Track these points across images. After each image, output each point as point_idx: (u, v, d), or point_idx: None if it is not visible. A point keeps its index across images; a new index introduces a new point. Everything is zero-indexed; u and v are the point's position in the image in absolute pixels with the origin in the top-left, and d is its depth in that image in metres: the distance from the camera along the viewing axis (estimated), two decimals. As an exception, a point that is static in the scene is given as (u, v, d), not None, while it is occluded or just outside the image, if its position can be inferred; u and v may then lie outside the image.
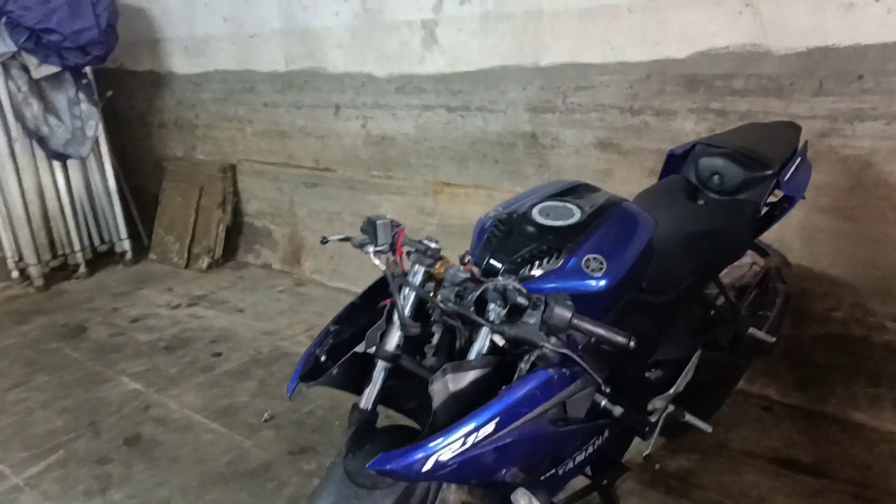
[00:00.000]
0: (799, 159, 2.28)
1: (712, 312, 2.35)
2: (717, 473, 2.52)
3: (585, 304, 1.50)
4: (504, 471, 1.57)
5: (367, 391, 1.70)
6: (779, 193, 2.29)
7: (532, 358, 1.55)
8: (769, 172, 2.20)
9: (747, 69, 2.70)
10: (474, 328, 1.61)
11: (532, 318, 1.47)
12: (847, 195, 2.60)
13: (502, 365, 1.61)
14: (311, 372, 1.72)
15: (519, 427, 1.51)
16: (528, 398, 1.51)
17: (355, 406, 1.72)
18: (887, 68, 2.40)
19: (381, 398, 1.72)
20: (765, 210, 2.29)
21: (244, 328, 4.04)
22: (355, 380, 1.76)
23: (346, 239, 1.80)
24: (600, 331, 1.47)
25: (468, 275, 1.62)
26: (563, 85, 3.22)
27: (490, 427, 1.45)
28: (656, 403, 2.12)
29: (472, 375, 1.55)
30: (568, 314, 1.44)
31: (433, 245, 1.69)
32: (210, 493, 2.64)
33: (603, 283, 1.68)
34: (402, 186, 4.04)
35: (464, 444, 1.43)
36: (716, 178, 2.26)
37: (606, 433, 1.94)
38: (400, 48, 3.77)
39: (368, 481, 1.59)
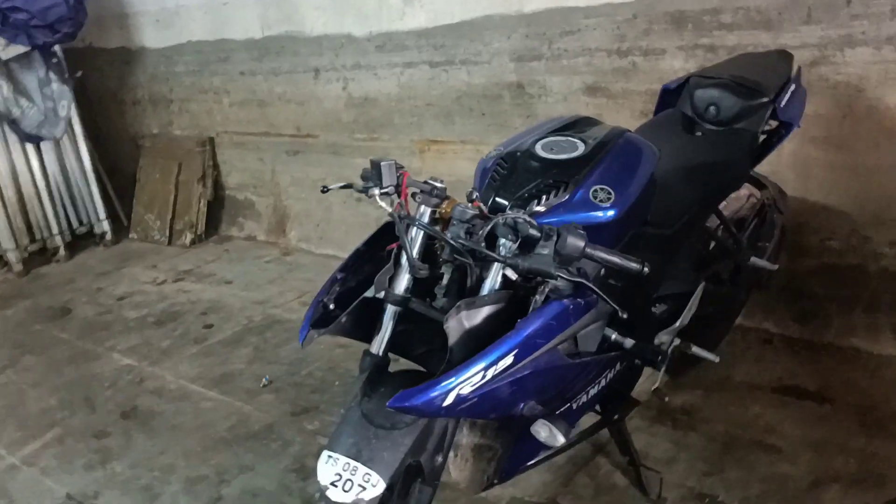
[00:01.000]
0: (793, 86, 2.28)
1: (713, 245, 2.35)
2: (723, 406, 2.54)
3: (594, 235, 1.50)
4: (522, 404, 1.57)
5: (377, 336, 1.68)
6: (773, 123, 2.29)
7: (546, 289, 1.55)
8: (765, 100, 2.20)
9: (735, 2, 2.68)
10: (485, 265, 1.60)
11: (545, 249, 1.46)
12: (839, 124, 2.60)
13: (515, 299, 1.60)
14: (320, 320, 1.70)
15: (536, 359, 1.51)
16: (545, 329, 1.51)
17: (366, 352, 1.70)
18: (876, -9, 2.40)
19: (391, 344, 1.70)
20: (762, 138, 2.28)
21: (234, 299, 3.99)
22: (364, 327, 1.74)
23: (349, 186, 1.78)
24: (614, 258, 1.47)
25: (476, 212, 1.61)
26: (549, 31, 3.18)
27: (509, 359, 1.45)
28: (662, 337, 2.12)
29: (486, 311, 1.55)
30: (581, 243, 1.43)
31: (439, 184, 1.66)
32: (214, 457, 2.61)
33: (612, 213, 1.68)
34: (388, 147, 3.99)
35: (483, 377, 1.43)
36: (712, 108, 2.25)
37: (617, 367, 1.94)
38: (379, 5, 3.71)
39: (387, 422, 1.57)
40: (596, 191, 1.68)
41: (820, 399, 2.52)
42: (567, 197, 1.67)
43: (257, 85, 4.49)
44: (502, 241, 1.55)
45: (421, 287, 1.70)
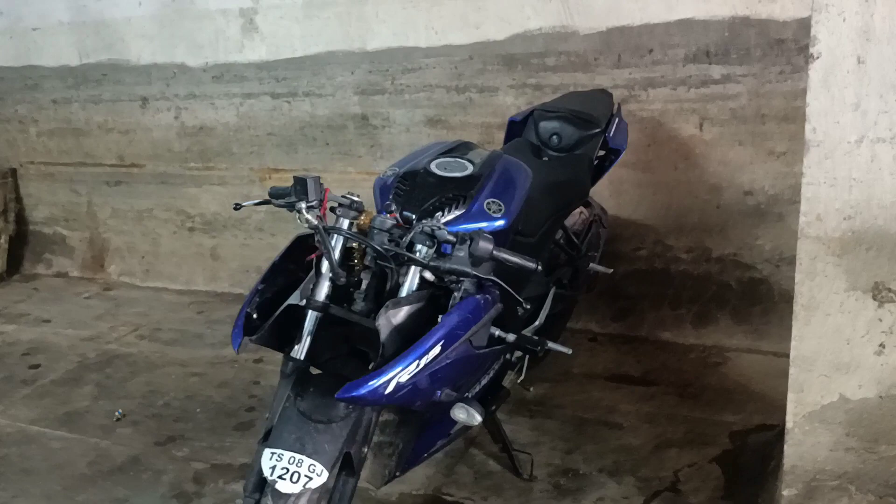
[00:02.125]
0: (617, 119, 2.73)
1: (559, 252, 2.71)
2: (569, 394, 2.89)
3: None
4: (440, 391, 1.77)
5: (300, 342, 1.79)
6: (601, 151, 2.72)
7: (463, 287, 1.77)
8: (598, 130, 2.62)
9: (558, 47, 3.12)
10: (403, 269, 1.79)
11: (461, 252, 1.70)
12: (645, 150, 3.11)
13: (431, 299, 1.81)
14: (247, 330, 1.79)
15: (455, 349, 1.72)
16: (464, 322, 1.74)
17: (289, 357, 1.80)
18: (671, 42, 2.94)
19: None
20: (596, 163, 2.70)
21: (58, 337, 3.73)
22: (277, 337, 1.85)
23: (266, 202, 1.87)
24: (515, 258, 1.75)
25: (394, 221, 1.80)
26: (391, 67, 3.44)
27: (437, 349, 1.66)
28: (525, 335, 2.42)
29: (409, 309, 1.75)
30: (490, 246, 1.70)
31: (356, 199, 1.84)
32: (79, 495, 2.48)
33: (502, 222, 1.97)
34: (225, 176, 4.00)
35: (417, 366, 1.62)
36: (555, 137, 2.63)
37: (501, 359, 2.21)
38: (215, 37, 3.74)
39: (324, 416, 1.70)
40: (489, 203, 1.95)
41: (646, 382, 2.96)
42: (465, 209, 1.92)
43: (73, 114, 4.27)
44: (419, 246, 1.76)
45: (337, 294, 1.84)
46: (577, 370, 3.07)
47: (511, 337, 2.08)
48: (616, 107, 2.80)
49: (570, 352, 2.46)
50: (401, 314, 1.72)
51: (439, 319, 1.73)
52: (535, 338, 2.23)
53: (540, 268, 1.76)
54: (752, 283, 3.15)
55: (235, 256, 4.09)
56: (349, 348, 1.93)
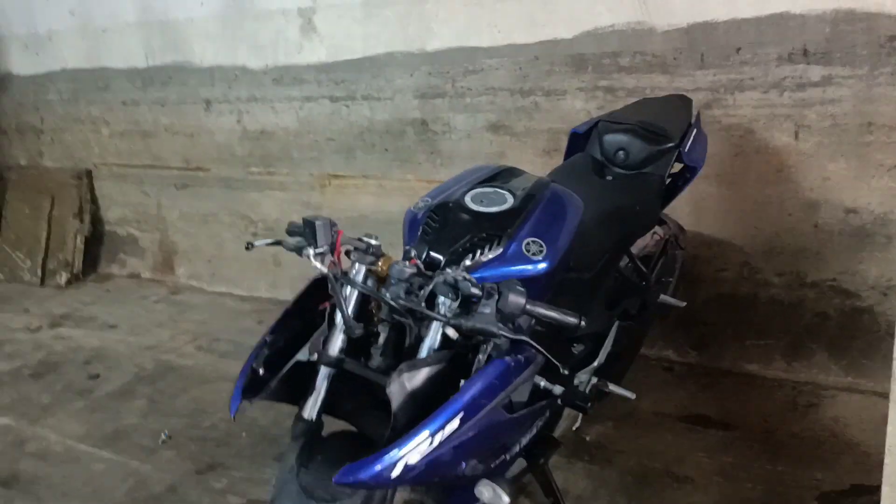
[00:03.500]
0: (695, 131, 2.39)
1: (624, 283, 2.42)
2: (634, 437, 2.60)
3: (527, 288, 1.52)
4: (464, 465, 1.55)
5: (310, 400, 1.63)
6: (678, 165, 2.39)
7: (489, 348, 1.54)
8: (671, 145, 2.30)
9: (633, 47, 2.80)
10: (424, 323, 1.58)
11: (487, 308, 1.47)
12: (731, 162, 2.75)
13: (453, 358, 1.59)
14: (250, 386, 1.62)
15: (479, 419, 1.49)
16: (489, 389, 1.51)
17: (298, 417, 1.63)
18: (763, 40, 2.56)
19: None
20: (668, 182, 2.38)
21: (120, 345, 3.73)
22: (293, 389, 1.68)
23: (277, 243, 1.71)
24: (552, 314, 1.50)
25: (414, 270, 1.59)
26: (452, 69, 3.20)
27: (455, 423, 1.44)
28: (581, 377, 2.16)
29: (427, 372, 1.53)
30: (522, 300, 1.45)
31: (374, 242, 1.63)
32: (113, 525, 2.41)
33: (543, 265, 1.70)
34: (285, 182, 3.88)
35: (430, 443, 1.41)
36: (621, 153, 2.32)
37: (546, 414, 1.96)
38: (276, 38, 3.61)
39: (327, 493, 1.51)
40: (528, 244, 1.70)
41: (724, 426, 2.63)
42: (501, 251, 1.68)
43: (141, 115, 4.25)
44: (441, 299, 1.53)
45: (354, 346, 1.65)
46: (646, 407, 2.77)
47: (558, 390, 1.84)
48: (695, 116, 2.47)
49: (633, 396, 2.19)
50: (417, 378, 1.51)
51: (461, 385, 1.50)
52: (586, 392, 1.99)
53: (584, 324, 1.51)
54: (854, 312, 2.75)
55: (296, 263, 3.89)
56: (372, 398, 1.75)
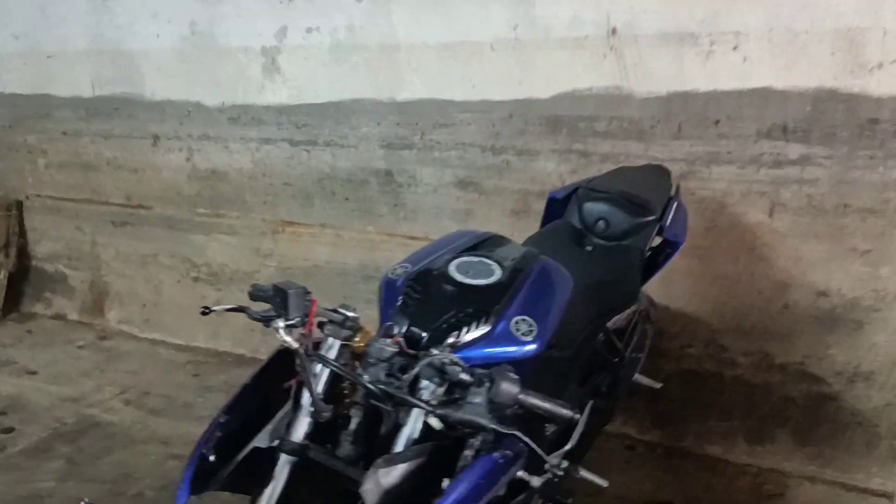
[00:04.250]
0: (675, 204, 2.32)
1: (598, 359, 2.30)
2: (599, 524, 2.45)
3: (515, 370, 1.38)
4: None
5: (267, 492, 1.42)
6: (657, 239, 2.31)
7: (477, 443, 1.38)
8: (652, 218, 2.21)
9: (610, 112, 2.74)
10: (403, 410, 1.41)
11: (478, 398, 1.33)
12: (703, 236, 2.69)
13: (437, 450, 1.43)
14: (199, 475, 1.42)
15: None
16: (475, 490, 1.35)
17: None
18: (742, 114, 2.53)
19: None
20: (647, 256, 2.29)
21: (39, 394, 3.40)
22: (246, 478, 1.48)
23: (240, 309, 1.52)
24: (545, 405, 1.36)
25: (396, 348, 1.43)
26: (422, 121, 3.09)
27: None
28: (552, 460, 2.01)
29: (406, 468, 1.36)
30: (515, 390, 1.32)
31: (351, 314, 1.47)
32: None
33: (533, 346, 1.57)
34: (235, 226, 3.67)
35: None
36: (601, 223, 2.22)
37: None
38: (235, 75, 3.44)
39: None
40: (517, 323, 1.56)
41: (689, 514, 2.51)
42: (488, 329, 1.53)
43: (83, 147, 4.00)
44: (425, 383, 1.38)
45: (319, 430, 1.47)
46: (610, 489, 2.56)
47: (536, 481, 1.68)
48: (675, 189, 2.40)
49: (606, 484, 2.05)
50: (394, 475, 1.33)
51: (443, 484, 1.33)
52: (567, 490, 1.83)
53: (578, 416, 1.37)
54: (820, 398, 2.68)
55: (240, 314, 3.73)
56: (334, 488, 1.56)
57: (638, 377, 2.31)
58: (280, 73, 3.34)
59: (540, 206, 2.89)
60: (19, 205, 4.34)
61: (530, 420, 1.76)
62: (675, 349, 2.87)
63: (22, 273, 4.44)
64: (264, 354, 3.65)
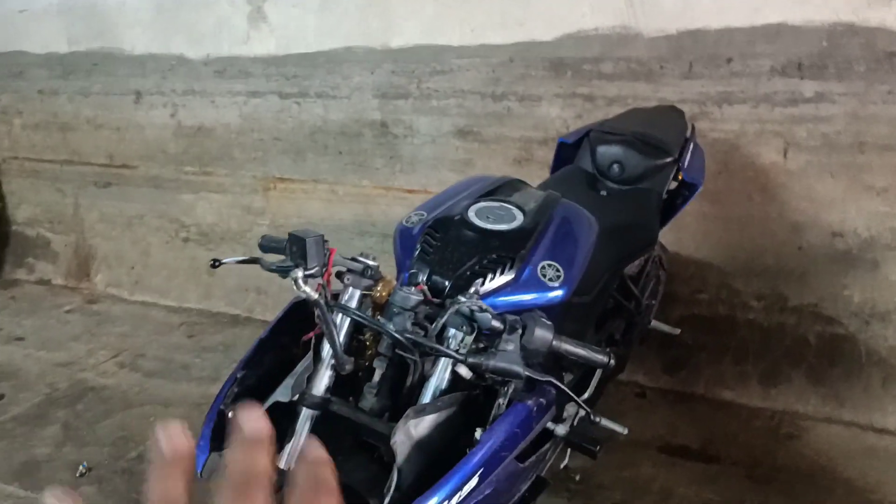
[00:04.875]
0: (692, 145, 2.24)
1: (615, 306, 2.24)
2: (615, 469, 2.41)
3: None
4: None
5: (288, 447, 1.37)
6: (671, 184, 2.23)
7: (509, 391, 1.32)
8: (670, 160, 2.13)
9: (616, 52, 2.64)
10: (429, 360, 1.35)
11: (510, 345, 1.26)
12: (714, 178, 2.61)
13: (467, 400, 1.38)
14: (217, 434, 1.35)
15: (497, 473, 1.27)
16: (510, 439, 1.31)
17: (273, 467, 1.35)
18: (755, 51, 2.45)
19: None
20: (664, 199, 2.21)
21: (29, 361, 3.29)
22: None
23: (252, 261, 1.44)
24: (581, 351, 1.31)
25: (421, 297, 1.35)
26: (418, 69, 2.97)
27: (474, 481, 1.23)
28: (569, 409, 1.97)
29: (436, 419, 1.31)
30: (549, 336, 1.27)
31: (371, 262, 1.39)
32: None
33: (561, 292, 1.51)
34: (224, 183, 3.55)
35: None
36: (616, 167, 2.14)
37: (549, 456, 1.75)
38: (218, 26, 3.29)
39: None
40: (544, 267, 1.48)
41: (706, 457, 2.47)
42: (514, 276, 1.46)
43: (60, 106, 3.83)
44: (453, 332, 1.30)
45: (339, 383, 1.40)
46: (623, 436, 2.58)
47: (561, 430, 1.63)
48: (690, 129, 2.31)
49: (625, 431, 2.01)
50: (424, 425, 1.27)
51: (476, 434, 1.27)
52: (593, 438, 1.78)
53: (613, 362, 1.31)
54: (835, 339, 2.65)
55: (233, 273, 3.62)
56: (354, 440, 1.49)
57: (655, 323, 2.26)
58: (266, 22, 3.20)
59: (543, 153, 2.82)
60: (-5, 168, 4.17)
61: (551, 368, 1.71)
62: (686, 294, 2.82)
63: (1, 239, 4.29)
64: (259, 314, 3.63)
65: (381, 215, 3.21)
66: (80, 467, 2.50)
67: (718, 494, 2.30)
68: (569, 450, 1.98)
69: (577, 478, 2.14)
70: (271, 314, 3.41)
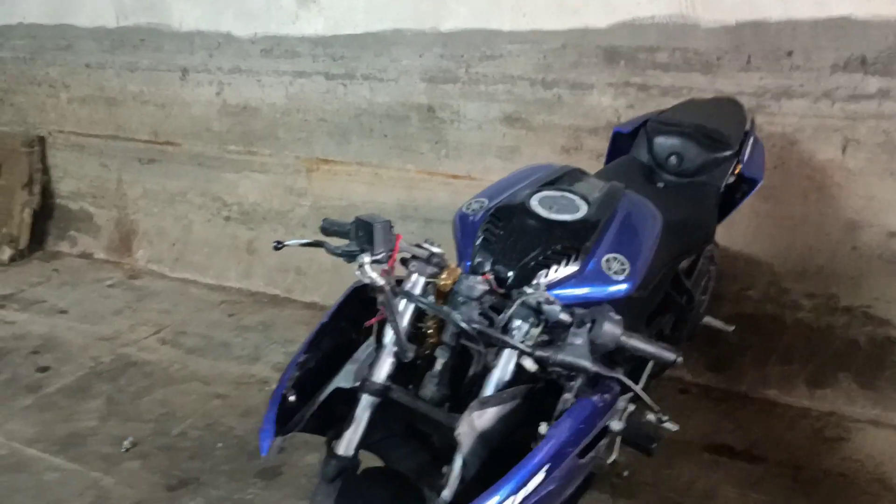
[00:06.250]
0: (752, 138, 2.18)
1: (667, 301, 2.20)
2: (657, 467, 2.38)
3: None
4: None
5: (348, 433, 1.36)
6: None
7: (576, 385, 1.30)
8: (729, 153, 2.09)
9: (673, 42, 2.58)
10: (493, 351, 1.34)
11: (579, 339, 1.24)
12: (770, 174, 2.53)
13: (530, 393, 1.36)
14: (280, 417, 1.35)
15: (562, 468, 1.26)
16: (576, 434, 1.29)
17: (331, 453, 1.36)
18: (818, 45, 2.38)
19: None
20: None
21: (72, 333, 3.34)
22: (323, 419, 1.42)
23: (316, 244, 1.44)
24: (648, 347, 1.28)
25: (487, 286, 1.33)
26: (467, 53, 2.93)
27: (541, 475, 1.21)
28: (619, 404, 1.94)
29: (499, 411, 1.30)
30: (618, 331, 1.24)
31: (436, 249, 1.38)
32: (68, 550, 2.08)
33: (626, 286, 1.48)
34: (268, 163, 3.55)
35: (513, 502, 1.17)
36: (673, 158, 2.09)
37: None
38: (267, 4, 3.28)
39: None
40: (609, 260, 1.46)
41: (750, 458, 2.43)
42: (578, 267, 1.43)
43: (107, 80, 3.85)
44: (518, 323, 1.28)
45: (400, 368, 1.39)
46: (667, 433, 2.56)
47: (617, 425, 1.61)
48: (750, 122, 2.26)
49: (676, 428, 1.99)
50: (487, 417, 1.26)
51: (541, 428, 1.26)
52: (649, 436, 1.75)
53: (681, 360, 1.29)
54: (886, 342, 2.59)
55: (273, 253, 3.60)
56: (406, 427, 1.49)
57: (707, 319, 2.21)
58: (316, 2, 3.18)
59: (593, 143, 2.78)
60: (41, 141, 4.21)
61: (608, 363, 1.69)
62: (734, 291, 2.77)
63: (46, 211, 4.34)
64: (298, 295, 3.64)
65: (425, 200, 3.20)
66: (125, 442, 2.53)
67: (763, 496, 2.26)
68: (616, 445, 1.96)
69: (626, 473, 2.11)
70: (310, 295, 3.49)
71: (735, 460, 2.44)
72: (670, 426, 1.95)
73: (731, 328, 2.28)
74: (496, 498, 1.14)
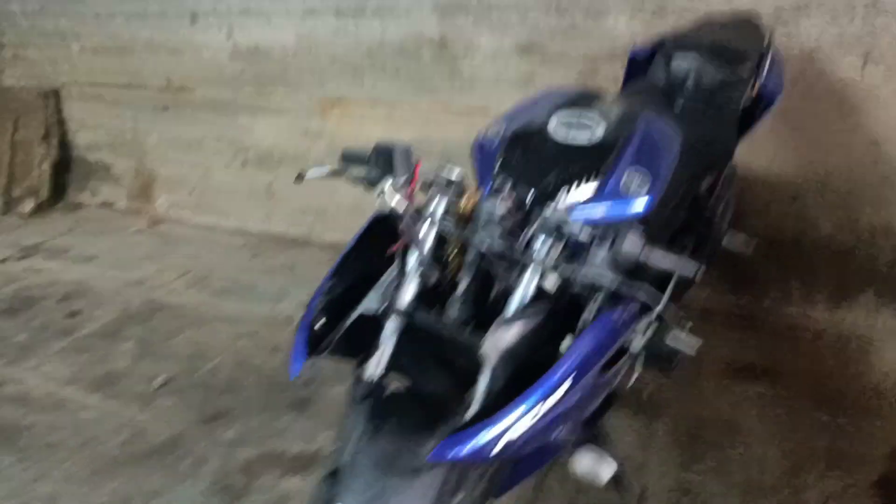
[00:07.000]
0: (770, 55, 2.14)
1: (688, 221, 2.20)
2: (679, 387, 2.43)
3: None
4: (557, 433, 1.35)
5: (375, 357, 1.39)
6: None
7: (599, 300, 1.32)
8: (748, 70, 2.05)
9: (688, -39, 2.52)
10: (514, 272, 1.35)
11: (599, 255, 1.25)
12: (789, 91, 2.52)
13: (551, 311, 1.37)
14: (309, 341, 1.39)
15: (585, 381, 1.29)
16: (599, 347, 1.30)
17: (359, 376, 1.40)
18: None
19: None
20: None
21: (102, 280, 3.41)
22: (350, 343, 1.44)
23: (336, 173, 1.44)
24: (671, 260, 1.28)
25: (508, 207, 1.35)
26: (478, -18, 2.89)
27: (563, 388, 1.22)
28: (640, 325, 1.96)
29: (522, 328, 1.31)
30: (640, 246, 1.24)
31: (456, 172, 1.39)
32: (109, 482, 2.14)
33: (647, 199, 1.47)
34: (282, 106, 3.55)
35: (537, 413, 1.20)
36: (690, 79, 2.07)
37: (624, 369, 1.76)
38: (273, -59, 3.23)
39: (407, 466, 1.29)
40: (628, 178, 1.46)
41: (772, 376, 2.46)
42: (598, 185, 1.44)
43: (117, 29, 3.84)
44: (538, 242, 1.30)
45: (423, 293, 1.41)
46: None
47: (638, 345, 1.64)
48: (768, 38, 2.21)
49: (699, 342, 2.01)
50: (511, 334, 1.28)
51: (563, 345, 1.28)
52: (669, 346, 1.78)
53: (702, 272, 1.30)
54: (908, 258, 2.59)
55: (293, 195, 3.66)
56: (432, 353, 1.52)
57: (728, 239, 2.22)
58: (323, -64, 3.13)
59: (609, 69, 2.74)
60: (56, 93, 4.23)
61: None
62: (754, 212, 2.77)
63: (64, 163, 4.39)
64: (318, 236, 3.66)
65: (441, 135, 3.18)
66: (158, 379, 2.60)
67: (786, 413, 2.29)
68: (637, 366, 1.99)
69: (645, 396, 2.15)
70: (331, 236, 3.52)
71: (756, 379, 2.47)
72: (693, 340, 1.99)
73: (750, 249, 2.28)
74: (524, 406, 1.17)
